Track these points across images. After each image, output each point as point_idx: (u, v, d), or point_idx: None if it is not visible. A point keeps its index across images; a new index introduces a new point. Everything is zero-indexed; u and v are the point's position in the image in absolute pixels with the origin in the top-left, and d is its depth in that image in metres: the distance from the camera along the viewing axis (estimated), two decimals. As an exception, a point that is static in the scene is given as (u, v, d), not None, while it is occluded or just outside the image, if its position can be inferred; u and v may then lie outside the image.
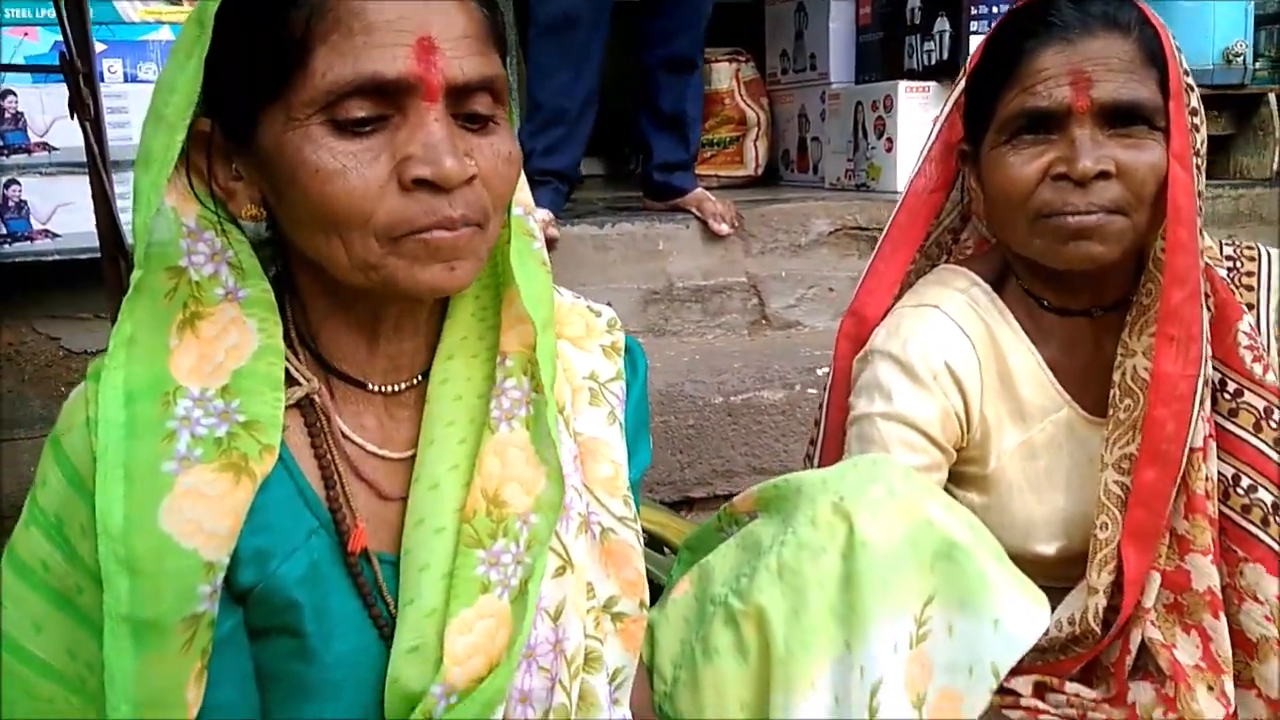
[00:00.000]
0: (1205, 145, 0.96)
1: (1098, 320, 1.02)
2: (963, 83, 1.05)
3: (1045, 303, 1.03)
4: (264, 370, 0.70)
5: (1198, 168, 0.94)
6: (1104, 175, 0.92)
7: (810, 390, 2.09)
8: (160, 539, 0.64)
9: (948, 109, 1.07)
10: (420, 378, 0.78)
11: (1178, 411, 0.94)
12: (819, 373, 2.13)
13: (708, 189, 2.55)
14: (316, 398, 0.73)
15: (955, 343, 1.00)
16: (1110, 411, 0.99)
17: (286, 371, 0.72)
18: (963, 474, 1.04)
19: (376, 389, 0.76)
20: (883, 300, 1.07)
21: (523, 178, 0.76)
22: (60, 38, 1.86)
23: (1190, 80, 0.94)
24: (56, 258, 1.88)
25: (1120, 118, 0.92)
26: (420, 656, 0.71)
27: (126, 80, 1.88)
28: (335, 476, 0.73)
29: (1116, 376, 0.98)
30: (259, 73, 0.65)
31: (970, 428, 1.01)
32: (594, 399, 0.83)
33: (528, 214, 0.77)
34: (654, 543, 1.54)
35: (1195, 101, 0.94)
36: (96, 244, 1.85)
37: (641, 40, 2.37)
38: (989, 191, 1.00)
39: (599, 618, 0.80)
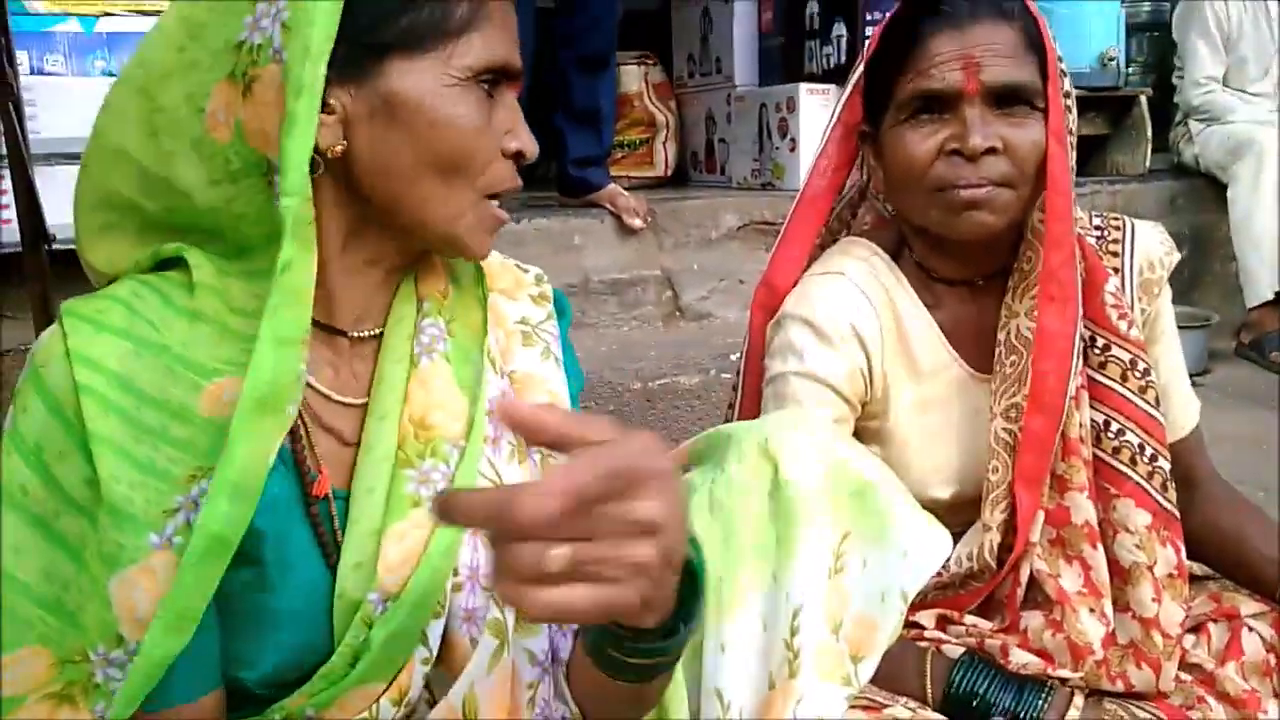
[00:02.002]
0: (1076, 125, 1.07)
1: (980, 288, 1.12)
2: (861, 68, 1.14)
3: (934, 273, 1.12)
4: None
5: (1071, 145, 1.04)
6: (992, 151, 1.01)
7: (724, 375, 2.18)
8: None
9: (847, 93, 1.16)
10: (379, 329, 0.82)
11: (1059, 365, 1.04)
12: (731, 358, 2.22)
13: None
14: None
15: (859, 306, 1.08)
16: (996, 368, 1.09)
17: None
18: (864, 429, 1.12)
19: (349, 334, 0.80)
20: (793, 271, 1.15)
21: None
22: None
23: (1063, 66, 1.04)
24: (-36, 255, 1.84)
25: (1005, 99, 1.01)
26: (363, 571, 0.75)
27: (33, 73, 1.86)
28: (300, 425, 0.77)
29: (1001, 335, 1.08)
30: (417, 27, 0.73)
31: (873, 384, 1.10)
32: (526, 340, 0.89)
33: None
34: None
35: (1068, 85, 1.05)
36: (2, 240, 1.83)
37: (555, 40, 2.43)
38: (889, 168, 1.08)
39: None
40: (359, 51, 0.72)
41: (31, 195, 1.29)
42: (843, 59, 2.89)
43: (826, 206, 1.17)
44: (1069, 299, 1.04)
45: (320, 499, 0.77)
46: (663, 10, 3.55)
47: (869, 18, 2.80)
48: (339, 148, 0.73)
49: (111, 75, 1.90)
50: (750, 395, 1.16)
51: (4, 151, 1.38)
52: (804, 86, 2.87)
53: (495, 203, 0.78)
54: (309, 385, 0.78)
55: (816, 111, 2.87)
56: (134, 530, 0.68)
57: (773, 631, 0.86)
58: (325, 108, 0.72)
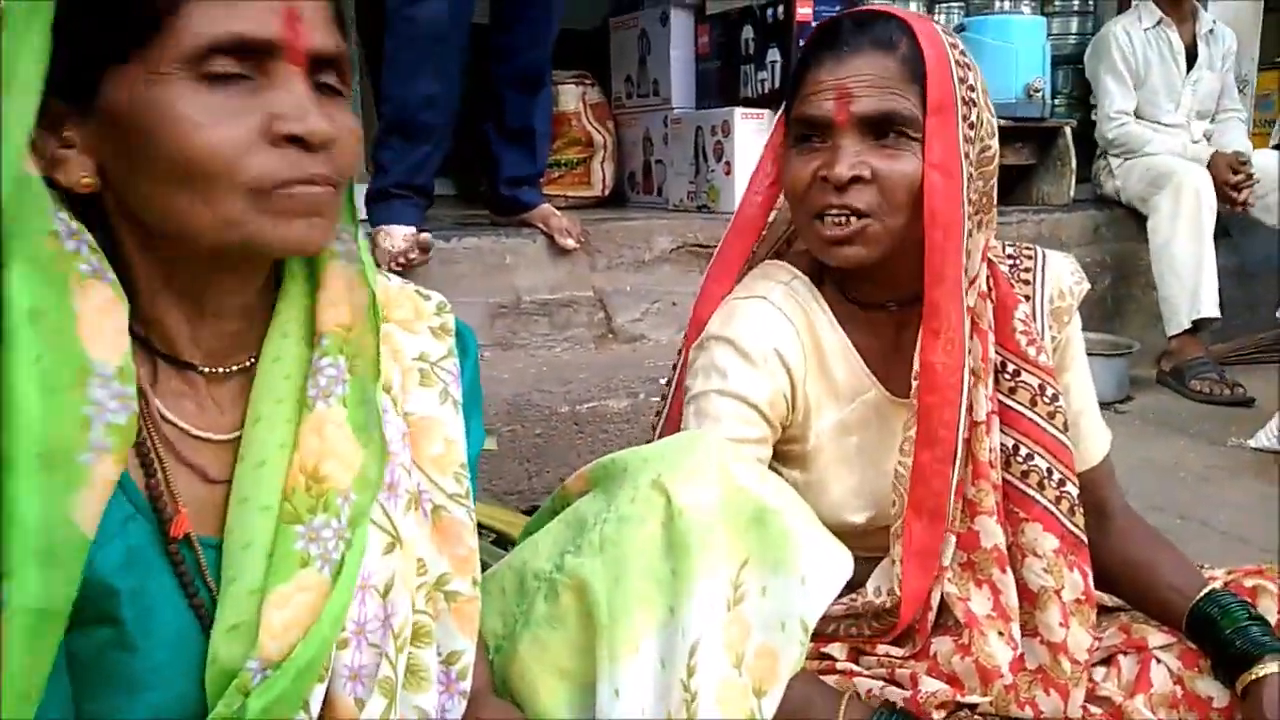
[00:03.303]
0: (995, 157, 1.05)
1: (895, 313, 1.12)
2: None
3: (850, 295, 1.12)
4: (131, 351, 0.69)
5: (971, 175, 1.02)
6: (858, 180, 1.00)
7: (653, 399, 2.16)
8: (75, 532, 0.63)
9: (775, 119, 1.14)
10: (250, 361, 0.78)
11: (947, 399, 1.03)
12: (662, 382, 2.21)
13: (557, 209, 2.60)
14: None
15: (781, 330, 1.07)
16: (911, 397, 1.08)
17: None
18: (786, 452, 1.11)
19: (202, 369, 0.76)
20: (721, 295, 1.13)
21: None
22: None
23: (975, 95, 1.02)
24: None
25: (879, 128, 1.00)
26: (240, 634, 0.70)
27: None
28: (155, 462, 0.72)
29: (916, 364, 1.07)
30: (111, 31, 0.66)
31: (795, 408, 1.08)
32: (425, 379, 0.85)
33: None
34: (500, 541, 1.56)
35: (976, 115, 1.03)
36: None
37: (490, 57, 2.40)
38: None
39: (431, 594, 0.81)
40: (75, 75, 0.67)
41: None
42: (777, 84, 2.91)
43: (757, 230, 1.16)
44: (955, 334, 1.02)
45: (180, 541, 0.72)
46: (601, 31, 3.56)
47: (803, 43, 2.83)
48: (85, 181, 0.69)
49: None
50: (674, 420, 1.14)
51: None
52: (739, 110, 2.89)
53: (293, 189, 0.68)
54: (165, 419, 0.74)
55: (751, 135, 2.89)
56: None
57: (670, 671, 0.83)
58: (63, 141, 0.68)
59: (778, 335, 1.07)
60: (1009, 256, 1.16)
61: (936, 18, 3.49)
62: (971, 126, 1.01)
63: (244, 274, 0.75)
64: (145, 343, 0.74)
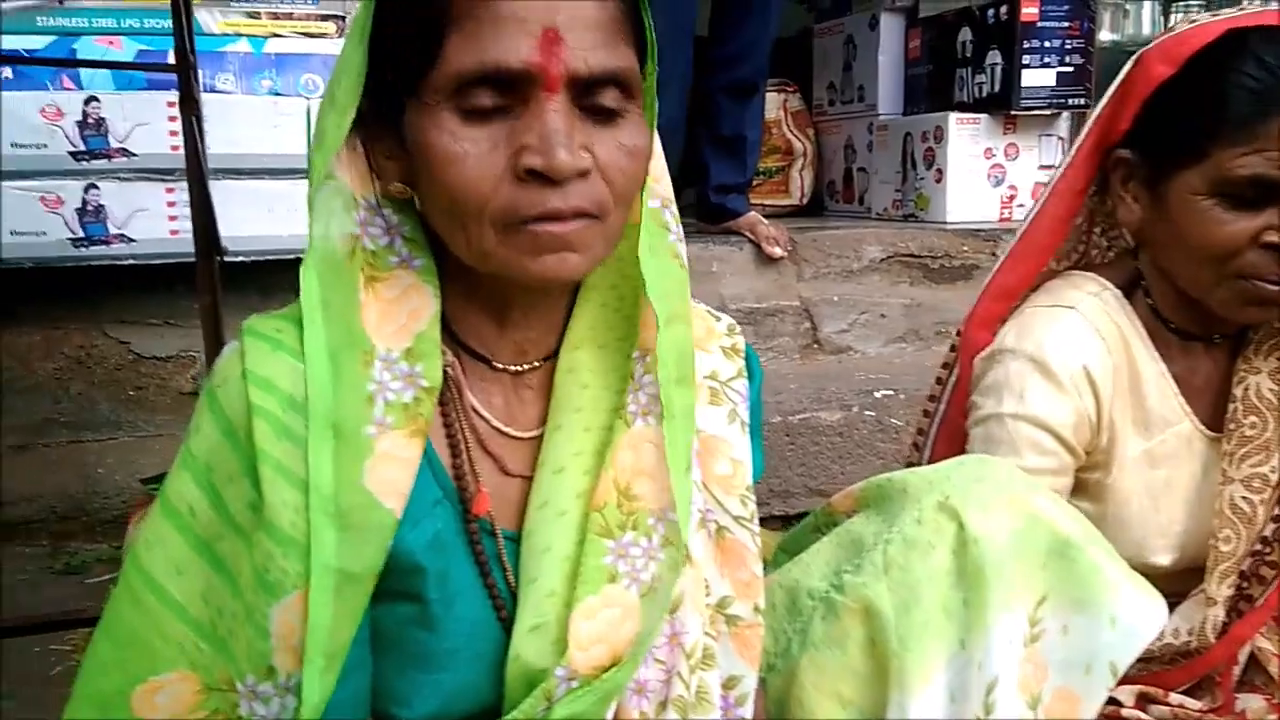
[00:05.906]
0: None
1: (1217, 345, 1.03)
2: (1118, 84, 1.01)
3: (1171, 323, 1.03)
4: (436, 335, 0.72)
5: None
6: None
7: (868, 413, 2.09)
8: (365, 497, 0.67)
9: (1100, 110, 1.03)
10: (543, 360, 0.79)
11: None
12: (876, 395, 2.14)
13: (758, 217, 2.56)
14: (450, 370, 0.74)
15: (1092, 345, 0.99)
16: (1231, 427, 0.99)
17: None
18: (1083, 481, 1.03)
19: (502, 367, 0.78)
20: (1011, 302, 1.06)
21: (666, 172, 0.78)
22: (141, 47, 1.94)
23: None
24: (131, 262, 1.92)
25: None
26: (541, 635, 0.72)
27: (206, 90, 1.92)
28: (463, 446, 0.75)
29: (1238, 391, 0.98)
30: (404, 59, 0.68)
31: (1099, 433, 1.01)
32: (714, 398, 0.83)
33: (664, 207, 0.77)
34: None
35: None
36: (170, 250, 1.91)
37: (706, 66, 2.40)
38: (1176, 229, 0.97)
39: (714, 617, 0.80)
40: (387, 94, 0.70)
41: (207, 208, 1.33)
42: (996, 88, 2.78)
43: (1054, 246, 1.06)
44: None
45: (483, 530, 0.74)
46: (803, 37, 3.50)
47: (1027, 45, 2.69)
48: (397, 188, 0.72)
49: (278, 95, 1.96)
50: (948, 435, 1.08)
51: (183, 165, 1.42)
52: (954, 115, 2.78)
53: (537, 225, 0.67)
54: (476, 412, 0.76)
55: (966, 141, 2.78)
56: (298, 556, 0.67)
57: (962, 706, 0.78)
58: (386, 153, 0.72)
59: (1087, 351, 0.99)
60: None
61: (1174, 16, 3.25)
62: None
63: (532, 292, 0.76)
64: (457, 340, 0.77)
